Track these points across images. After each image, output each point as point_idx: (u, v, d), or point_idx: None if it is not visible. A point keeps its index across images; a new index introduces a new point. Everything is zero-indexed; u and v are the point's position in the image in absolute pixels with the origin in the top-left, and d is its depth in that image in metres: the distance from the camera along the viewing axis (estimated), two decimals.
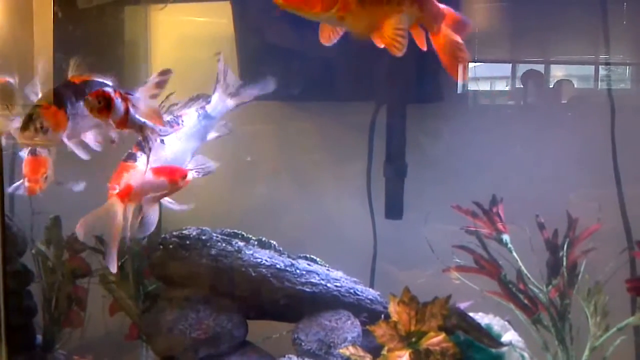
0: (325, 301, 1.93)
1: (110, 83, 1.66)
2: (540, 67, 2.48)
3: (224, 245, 1.96)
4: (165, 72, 1.57)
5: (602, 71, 2.37)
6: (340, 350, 1.80)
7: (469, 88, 2.56)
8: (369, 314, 1.94)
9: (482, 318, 1.80)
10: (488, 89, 2.72)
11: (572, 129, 2.22)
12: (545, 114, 2.40)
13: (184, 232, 1.98)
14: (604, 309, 1.80)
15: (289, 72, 2.04)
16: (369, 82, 2.26)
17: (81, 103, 1.63)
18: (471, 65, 2.59)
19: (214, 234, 1.99)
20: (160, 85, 1.56)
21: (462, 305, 1.78)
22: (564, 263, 1.85)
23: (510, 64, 2.62)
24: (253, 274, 1.92)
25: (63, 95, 1.69)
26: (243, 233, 2.06)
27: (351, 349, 1.77)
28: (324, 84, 2.23)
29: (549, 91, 2.47)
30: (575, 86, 2.54)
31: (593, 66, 2.43)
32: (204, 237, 1.97)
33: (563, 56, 2.50)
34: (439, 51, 1.42)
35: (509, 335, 1.77)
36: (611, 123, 2.13)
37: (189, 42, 2.70)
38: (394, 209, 2.17)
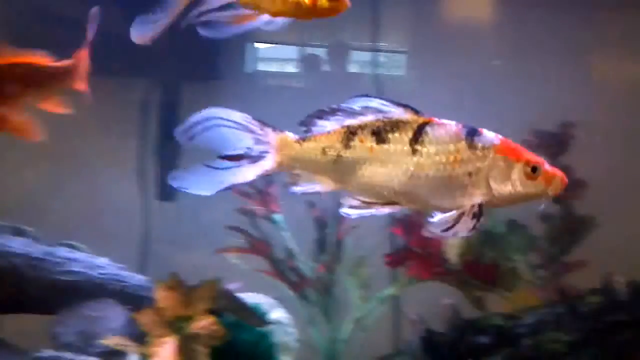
0: (87, 290, 1.81)
1: None
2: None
3: None
4: None
5: (374, 57, 2.49)
6: (103, 341, 1.70)
7: (256, 68, 2.55)
8: (136, 301, 1.85)
9: (250, 298, 1.80)
10: (278, 70, 2.74)
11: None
12: (322, 95, 2.47)
13: None
14: (366, 282, 1.89)
15: (57, 42, 1.87)
16: (143, 57, 2.15)
17: None
18: (261, 46, 2.59)
19: None
20: None
21: (231, 287, 1.77)
22: (331, 240, 1.92)
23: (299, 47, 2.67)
24: (4, 265, 1.74)
25: None
26: None
27: (115, 339, 1.69)
28: (94, 57, 2.08)
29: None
30: (352, 71, 2.64)
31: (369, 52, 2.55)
32: None
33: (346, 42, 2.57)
34: None
35: (277, 313, 1.80)
36: None
37: None
38: (167, 191, 2.10)
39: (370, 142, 1.07)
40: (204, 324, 1.65)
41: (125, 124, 2.23)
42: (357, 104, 1.08)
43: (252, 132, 1.10)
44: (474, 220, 1.02)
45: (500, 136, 1.05)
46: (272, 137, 1.10)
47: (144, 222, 2.22)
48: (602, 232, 1.86)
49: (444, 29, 2.41)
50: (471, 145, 1.04)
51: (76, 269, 1.81)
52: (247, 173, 1.09)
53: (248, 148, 1.10)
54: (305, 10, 1.15)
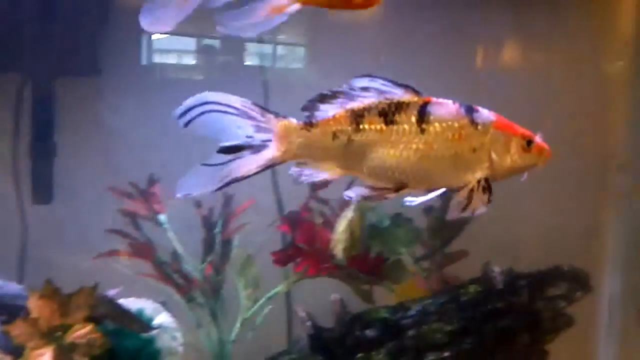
0: None
1: None
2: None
3: None
4: None
5: (269, 49, 2.45)
6: None
7: (146, 61, 2.45)
8: (12, 311, 1.74)
9: (134, 303, 1.74)
10: (172, 62, 2.65)
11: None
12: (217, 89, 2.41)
13: None
14: (256, 281, 1.87)
15: None
16: (13, 50, 2.01)
17: None
18: (155, 37, 2.48)
19: None
20: None
21: (112, 292, 1.70)
22: (219, 239, 1.88)
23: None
24: None
25: None
26: None
27: None
28: None
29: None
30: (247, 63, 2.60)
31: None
32: None
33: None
34: None
35: (162, 318, 1.75)
36: (264, 97, 2.20)
37: None
38: (42, 193, 1.99)
39: (378, 123, 1.04)
40: (81, 332, 1.58)
41: None
42: (359, 85, 1.05)
43: (252, 118, 1.03)
44: (487, 194, 1.06)
45: (493, 113, 1.08)
46: (275, 124, 1.04)
47: (20, 226, 2.09)
48: (481, 223, 1.92)
49: (340, 23, 2.41)
50: (472, 122, 1.06)
51: None
52: (250, 165, 1.02)
53: (248, 137, 1.02)
54: (339, 0, 1.11)
